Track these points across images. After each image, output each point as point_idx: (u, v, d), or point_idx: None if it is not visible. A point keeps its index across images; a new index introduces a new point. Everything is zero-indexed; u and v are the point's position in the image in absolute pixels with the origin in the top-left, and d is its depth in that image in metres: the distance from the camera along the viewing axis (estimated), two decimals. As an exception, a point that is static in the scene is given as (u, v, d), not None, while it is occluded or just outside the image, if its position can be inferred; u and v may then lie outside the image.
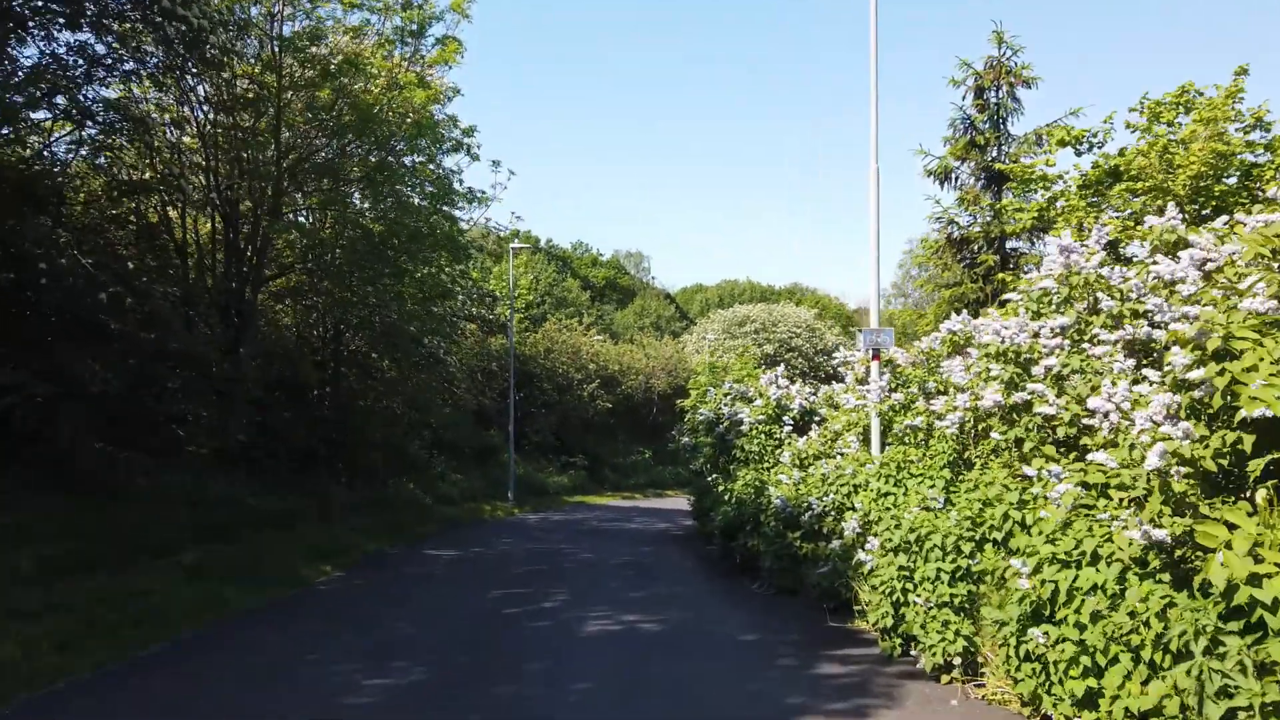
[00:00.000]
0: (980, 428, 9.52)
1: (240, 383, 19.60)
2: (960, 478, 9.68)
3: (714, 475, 19.72)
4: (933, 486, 9.93)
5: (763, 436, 16.03)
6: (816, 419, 16.39)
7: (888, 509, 10.51)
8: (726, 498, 15.32)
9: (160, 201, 19.43)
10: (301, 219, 20.44)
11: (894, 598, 8.65)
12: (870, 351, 11.74)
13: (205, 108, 18.55)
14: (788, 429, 15.94)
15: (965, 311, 13.25)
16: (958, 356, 10.07)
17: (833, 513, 12.03)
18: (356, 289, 20.39)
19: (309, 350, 23.66)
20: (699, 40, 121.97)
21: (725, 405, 18.32)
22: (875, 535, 9.42)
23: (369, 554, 16.94)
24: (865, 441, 12.43)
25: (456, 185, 21.31)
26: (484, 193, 21.28)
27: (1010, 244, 13.57)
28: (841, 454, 13.57)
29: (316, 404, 23.38)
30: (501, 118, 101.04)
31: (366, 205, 20.09)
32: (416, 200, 20.79)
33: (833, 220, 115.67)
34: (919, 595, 8.33)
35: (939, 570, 8.24)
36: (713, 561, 16.60)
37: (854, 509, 11.34)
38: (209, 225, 20.04)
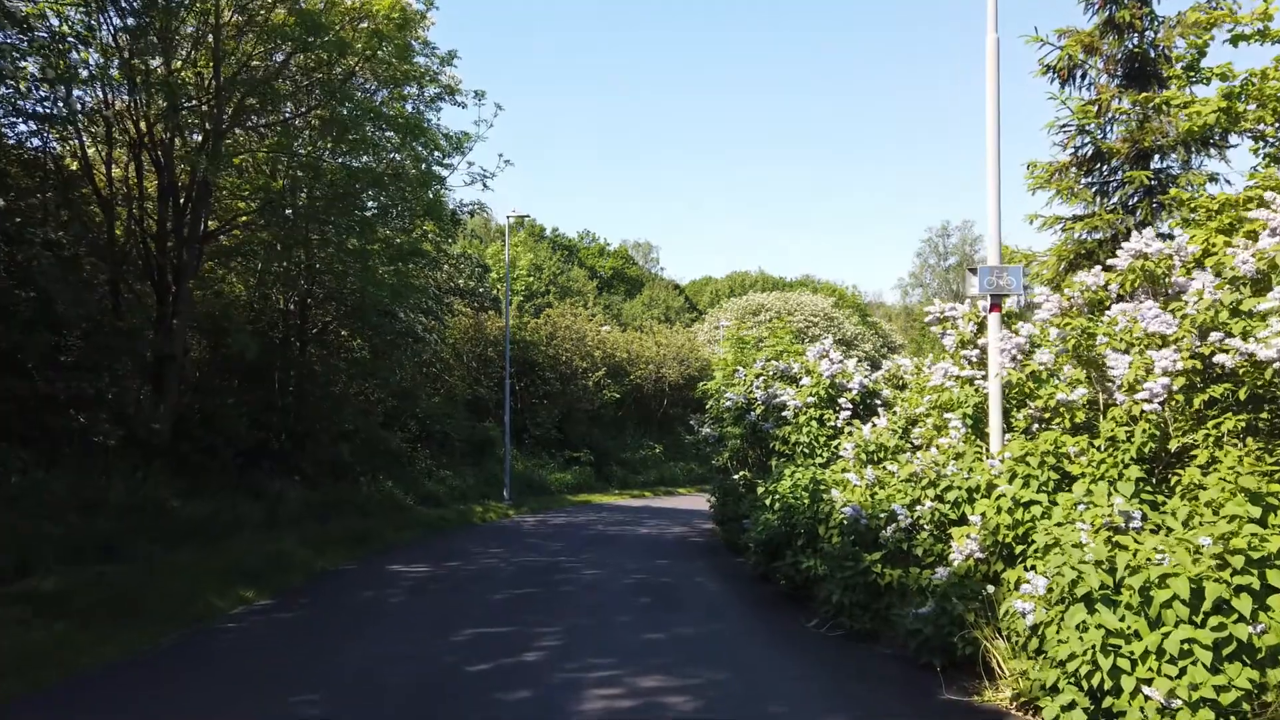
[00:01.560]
0: (1198, 403, 6.07)
1: (172, 359, 16.26)
2: (1172, 479, 6.24)
3: (742, 472, 16.37)
4: (1113, 491, 6.49)
5: (814, 424, 12.60)
6: (878, 401, 12.99)
7: (1028, 524, 7.08)
8: (768, 502, 11.85)
9: (75, 139, 16.08)
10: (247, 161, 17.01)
11: (1094, 681, 5.18)
12: (988, 299, 8.27)
13: (127, 20, 15.10)
14: (845, 414, 12.49)
15: (1095, 251, 9.82)
16: (1147, 298, 6.61)
17: (930, 527, 8.61)
18: (315, 243, 17.01)
19: (268, 326, 20.25)
20: (708, 31, 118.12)
21: (758, 388, 14.92)
22: (1042, 571, 5.95)
23: (316, 572, 13.54)
24: (975, 427, 8.96)
25: (434, 124, 17.82)
26: (464, 133, 17.79)
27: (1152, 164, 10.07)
28: (918, 446, 10.17)
29: (278, 388, 19.97)
30: (506, 104, 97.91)
31: (326, 147, 16.59)
32: (395, 142, 17.35)
33: (843, 212, 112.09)
34: (1147, 679, 4.89)
35: (1188, 642, 4.78)
36: (748, 582, 13.17)
37: (970, 522, 7.91)
38: (134, 169, 16.61)
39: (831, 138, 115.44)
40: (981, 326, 9.11)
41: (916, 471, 8.82)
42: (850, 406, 12.46)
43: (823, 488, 10.60)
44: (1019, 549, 6.97)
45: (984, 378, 8.90)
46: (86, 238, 15.58)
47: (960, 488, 8.11)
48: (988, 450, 8.59)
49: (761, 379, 15.14)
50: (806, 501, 10.80)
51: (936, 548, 8.54)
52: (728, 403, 16.02)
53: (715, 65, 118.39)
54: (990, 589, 7.17)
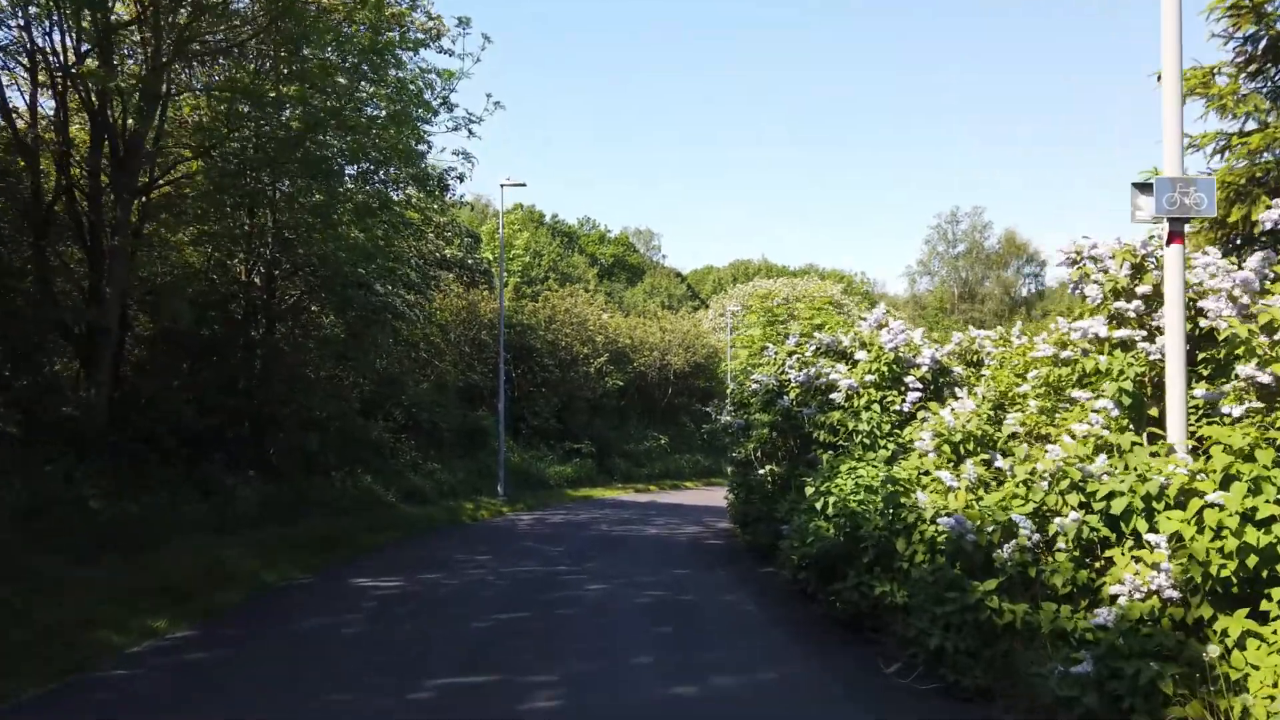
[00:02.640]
0: None
1: (105, 333, 13.86)
2: None
3: (769, 466, 14.01)
4: None
5: (875, 408, 10.18)
6: (948, 380, 10.60)
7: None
8: (820, 505, 9.40)
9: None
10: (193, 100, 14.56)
11: None
12: (1167, 224, 5.84)
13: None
14: (914, 395, 10.07)
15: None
16: None
17: (1071, 547, 6.21)
18: (280, 204, 14.59)
19: (228, 299, 17.79)
20: (706, 19, 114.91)
21: (792, 367, 12.55)
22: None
23: (261, 589, 11.12)
24: (1134, 409, 6.52)
25: (413, 67, 15.34)
26: (447, 70, 15.30)
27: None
28: (1014, 435, 7.81)
29: (240, 367, 17.50)
30: (501, 93, 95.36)
31: (281, 82, 14.08)
32: (359, 71, 14.91)
33: (841, 201, 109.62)
34: None
35: None
36: (786, 601, 10.77)
37: (1147, 544, 5.51)
38: (60, 109, 14.18)
39: (828, 125, 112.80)
40: (1138, 269, 6.70)
41: (1052, 470, 6.40)
42: (920, 386, 10.04)
43: (900, 490, 8.18)
44: (1276, 592, 4.58)
45: (1146, 339, 6.48)
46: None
47: (1133, 493, 5.70)
48: (1152, 440, 6.19)
49: (797, 356, 12.77)
50: (879, 507, 8.38)
51: (1080, 576, 6.15)
52: (754, 385, 13.67)
53: (709, 51, 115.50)
54: (1213, 650, 4.76)
